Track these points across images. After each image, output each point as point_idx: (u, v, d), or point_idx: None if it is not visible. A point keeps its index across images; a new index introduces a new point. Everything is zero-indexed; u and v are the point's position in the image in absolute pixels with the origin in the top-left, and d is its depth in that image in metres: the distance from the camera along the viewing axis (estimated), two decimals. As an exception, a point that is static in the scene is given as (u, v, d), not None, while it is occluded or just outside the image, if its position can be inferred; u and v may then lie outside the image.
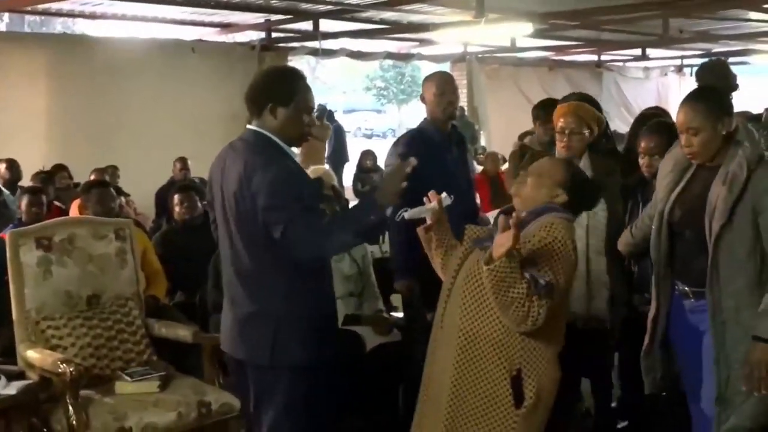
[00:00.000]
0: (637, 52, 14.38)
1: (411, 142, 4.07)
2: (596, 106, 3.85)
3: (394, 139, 4.49)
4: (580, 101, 3.79)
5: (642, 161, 3.53)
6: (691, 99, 2.84)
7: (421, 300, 3.96)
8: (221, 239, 2.95)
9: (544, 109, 4.65)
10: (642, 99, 15.12)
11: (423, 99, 4.15)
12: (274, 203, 2.67)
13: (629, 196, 3.68)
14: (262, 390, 2.87)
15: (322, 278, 2.90)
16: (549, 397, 2.63)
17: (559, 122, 3.66)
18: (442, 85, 4.10)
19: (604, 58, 15.16)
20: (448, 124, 4.18)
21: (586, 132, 3.61)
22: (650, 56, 14.91)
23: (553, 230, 2.51)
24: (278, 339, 2.79)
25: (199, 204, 5.18)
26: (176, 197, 5.18)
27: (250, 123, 2.89)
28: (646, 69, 16.44)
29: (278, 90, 2.84)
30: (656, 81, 16.68)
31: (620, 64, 15.81)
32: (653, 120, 3.84)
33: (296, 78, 2.90)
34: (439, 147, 4.06)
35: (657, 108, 5.27)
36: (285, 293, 2.79)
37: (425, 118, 4.17)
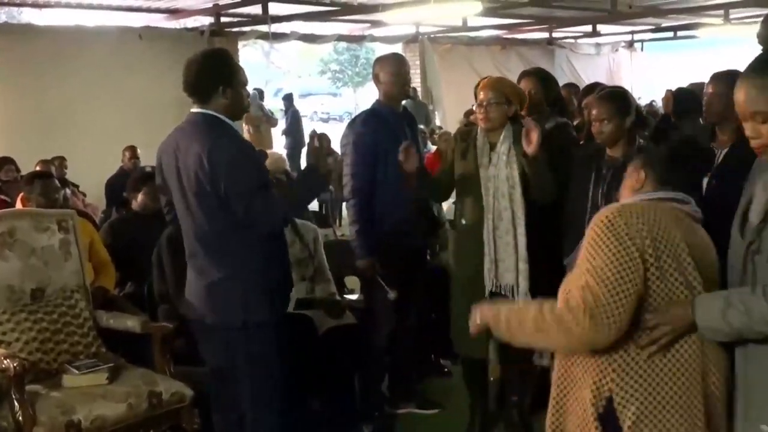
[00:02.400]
0: (588, 28, 14.47)
1: (368, 121, 4.10)
2: (549, 80, 4.22)
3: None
4: (526, 75, 4.22)
5: (593, 127, 3.52)
6: (756, 72, 2.01)
7: (383, 279, 3.97)
8: (182, 217, 3.17)
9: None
10: (594, 75, 15.23)
11: (377, 79, 4.16)
12: (235, 181, 2.94)
13: (589, 165, 3.64)
14: (237, 348, 3.16)
15: (279, 242, 3.22)
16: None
17: (479, 95, 3.79)
18: (397, 65, 4.14)
19: (555, 35, 15.23)
20: (401, 105, 4.19)
21: (505, 105, 3.72)
22: (601, 32, 15.01)
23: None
24: (248, 300, 3.09)
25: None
26: (144, 188, 5.00)
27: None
28: (598, 45, 16.56)
29: (222, 72, 3.07)
30: (607, 57, 16.82)
31: (572, 41, 15.90)
32: (603, 87, 3.94)
33: (229, 58, 3.17)
34: (394, 126, 4.07)
35: (595, 84, 5.37)
36: (248, 259, 3.08)
37: (378, 99, 4.19)
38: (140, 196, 5.02)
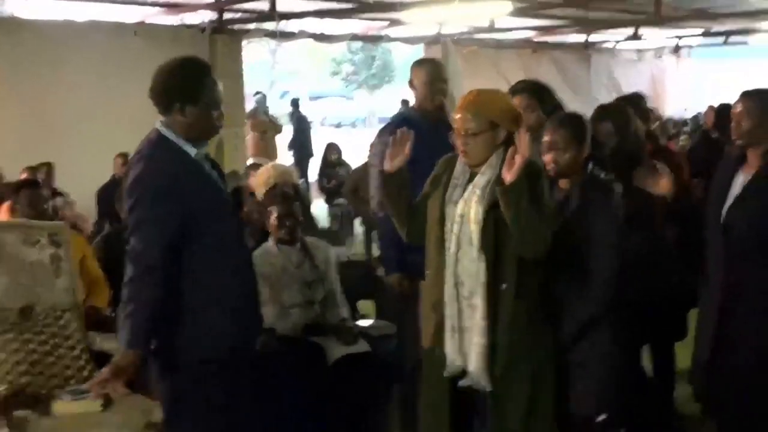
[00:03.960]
0: (629, 31, 14.58)
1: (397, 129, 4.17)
2: (542, 91, 4.14)
3: (365, 129, 4.63)
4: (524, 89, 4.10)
5: (546, 157, 3.42)
6: None
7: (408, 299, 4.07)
8: None
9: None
10: (635, 83, 15.33)
11: (411, 85, 4.35)
12: (129, 200, 2.96)
13: None
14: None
15: (229, 273, 3.05)
16: None
17: (455, 120, 3.26)
18: (432, 73, 4.30)
19: (593, 39, 15.36)
20: (436, 114, 4.32)
21: (489, 132, 3.15)
22: (643, 36, 15.11)
23: None
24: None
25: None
26: None
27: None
28: (639, 50, 16.67)
29: (185, 87, 3.01)
30: (650, 63, 16.93)
31: (611, 45, 16.02)
32: (561, 112, 3.93)
33: (202, 72, 3.05)
34: (427, 136, 4.16)
35: (634, 95, 5.35)
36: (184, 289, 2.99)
37: (410, 106, 4.36)
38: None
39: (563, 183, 3.44)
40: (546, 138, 3.43)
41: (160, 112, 3.05)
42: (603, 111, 4.27)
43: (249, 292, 3.19)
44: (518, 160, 2.94)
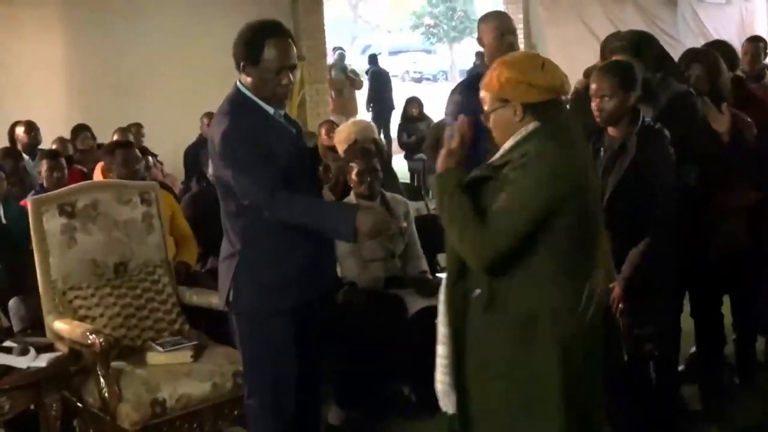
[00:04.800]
0: (717, -26, 14.14)
1: (468, 88, 4.12)
2: (642, 48, 3.95)
3: (446, 83, 4.64)
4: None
5: (593, 104, 3.49)
6: None
7: None
8: None
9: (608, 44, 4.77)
10: (723, 28, 14.85)
11: (480, 41, 4.25)
12: (222, 156, 3.08)
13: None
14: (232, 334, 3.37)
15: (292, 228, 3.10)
16: None
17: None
18: (502, 26, 4.21)
19: (679, -18, 14.93)
20: None
21: (501, 109, 2.72)
22: (733, -22, 14.63)
23: None
24: (238, 287, 3.19)
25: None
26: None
27: None
28: (728, -7, 16.13)
29: (246, 49, 3.13)
30: (739, 6, 16.33)
31: (698, -12, 15.54)
32: (609, 60, 3.89)
33: (267, 35, 3.11)
34: None
35: (716, 42, 5.24)
36: (245, 241, 3.17)
37: (478, 63, 4.32)
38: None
39: (612, 131, 3.47)
40: (592, 86, 3.47)
41: (240, 72, 3.19)
42: (692, 54, 4.33)
43: (322, 245, 3.26)
44: (444, 151, 2.64)
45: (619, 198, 3.36)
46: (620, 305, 3.42)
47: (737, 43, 15.98)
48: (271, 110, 3.17)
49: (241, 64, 3.14)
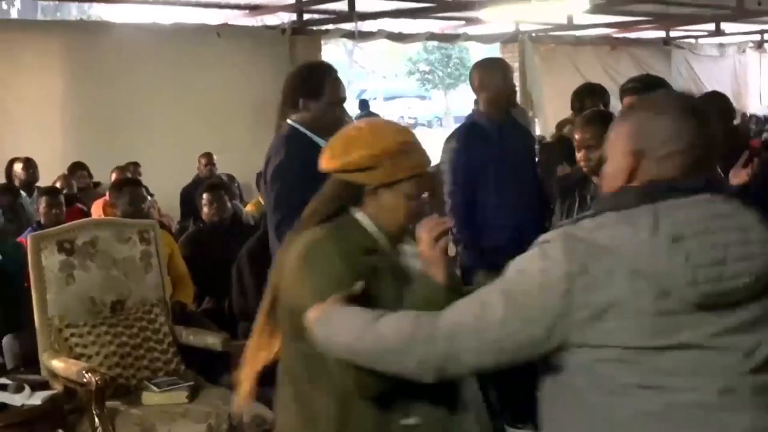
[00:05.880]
0: (711, 27, 14.29)
1: (464, 136, 4.19)
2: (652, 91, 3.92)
3: (441, 129, 4.64)
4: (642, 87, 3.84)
5: (578, 155, 3.47)
6: None
7: None
8: None
9: (579, 97, 4.83)
10: (717, 80, 15.07)
11: (482, 86, 4.21)
12: (272, 189, 3.30)
13: (566, 194, 3.65)
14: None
15: None
16: None
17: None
18: (507, 70, 4.27)
19: (673, 34, 15.10)
20: (505, 115, 4.31)
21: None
22: (725, 31, 14.80)
23: None
24: None
25: (229, 204, 5.38)
26: (204, 197, 5.38)
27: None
28: (721, 46, 16.33)
29: (308, 84, 3.42)
30: (733, 59, 16.56)
31: (691, 41, 15.73)
32: (590, 109, 3.89)
33: (326, 73, 3.48)
34: (497, 141, 4.17)
35: (712, 93, 5.25)
36: None
37: (475, 110, 4.33)
38: (205, 207, 5.32)
39: (599, 180, 3.41)
40: (576, 136, 3.46)
41: (288, 109, 3.43)
42: None
43: None
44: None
45: None
46: None
47: (730, 94, 16.14)
48: (322, 143, 3.26)
49: (300, 99, 3.37)
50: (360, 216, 2.13)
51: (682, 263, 1.55)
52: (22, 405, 3.36)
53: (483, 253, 4.09)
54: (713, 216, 1.60)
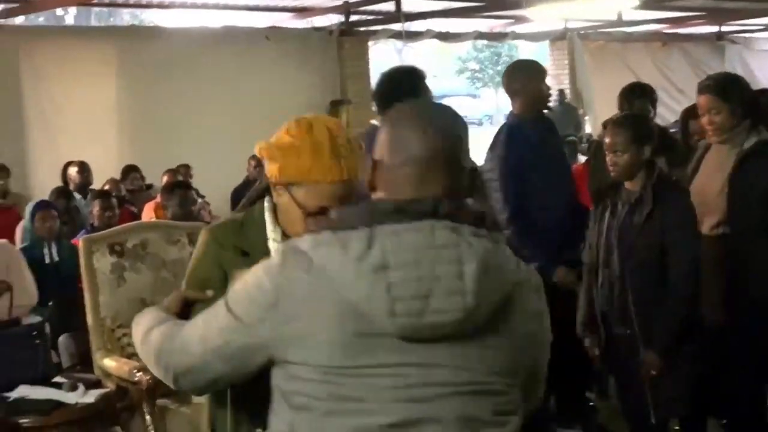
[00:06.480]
0: (765, 20, 14.08)
1: (508, 142, 4.12)
2: (729, 90, 3.66)
3: (492, 127, 4.60)
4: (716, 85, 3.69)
5: (607, 159, 3.44)
6: None
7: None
8: None
9: (627, 97, 4.79)
10: (773, 75, 14.81)
11: (522, 89, 4.16)
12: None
13: (599, 199, 3.63)
14: None
15: None
16: None
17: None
18: (543, 73, 4.27)
19: (725, 29, 14.89)
20: (541, 116, 4.30)
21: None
22: (781, 25, 14.59)
23: None
24: None
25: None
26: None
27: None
28: (777, 40, 16.07)
29: (404, 86, 3.54)
30: (788, 53, 16.28)
31: (745, 35, 15.49)
32: (622, 113, 3.84)
33: (417, 77, 3.67)
34: (538, 140, 4.15)
35: (763, 90, 5.11)
36: None
37: (512, 112, 4.25)
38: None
39: (630, 185, 3.39)
40: (606, 139, 3.43)
41: (383, 111, 3.51)
42: (692, 108, 4.27)
43: None
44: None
45: (637, 252, 3.32)
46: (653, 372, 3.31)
47: (786, 89, 15.67)
48: None
49: (395, 103, 3.46)
50: (266, 208, 2.08)
51: (382, 294, 1.48)
52: (77, 403, 3.45)
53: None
54: (427, 246, 1.50)
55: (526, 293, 1.60)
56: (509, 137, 4.15)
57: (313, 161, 1.93)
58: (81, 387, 3.51)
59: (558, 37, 13.29)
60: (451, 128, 1.64)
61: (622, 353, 3.44)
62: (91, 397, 3.50)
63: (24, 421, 3.42)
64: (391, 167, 1.61)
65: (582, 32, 13.29)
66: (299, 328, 1.52)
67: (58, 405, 3.43)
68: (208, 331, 1.64)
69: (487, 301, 1.51)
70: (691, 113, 4.48)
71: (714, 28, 14.73)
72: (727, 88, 3.64)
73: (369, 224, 1.52)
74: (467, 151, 1.67)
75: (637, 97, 4.90)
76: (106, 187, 7.06)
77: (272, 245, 2.05)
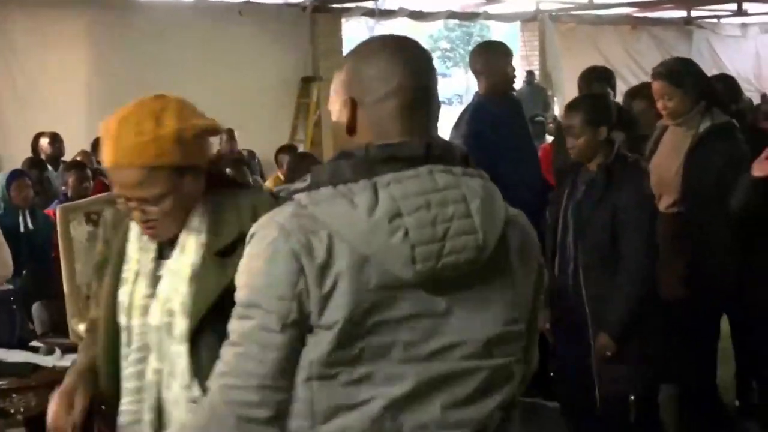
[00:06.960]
0: (733, 6, 14.25)
1: (473, 119, 4.21)
2: (683, 76, 3.77)
3: (461, 106, 4.65)
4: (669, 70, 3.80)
5: (567, 142, 3.48)
6: None
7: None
8: None
9: (586, 81, 4.91)
10: (739, 60, 15.06)
11: (487, 69, 4.25)
12: None
13: (561, 180, 3.69)
14: None
15: None
16: None
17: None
18: (509, 54, 4.35)
19: (694, 14, 15.07)
20: (507, 96, 4.41)
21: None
22: (748, 11, 14.75)
23: None
24: None
25: (250, 179, 5.52)
26: (227, 172, 5.51)
27: None
28: (744, 26, 16.27)
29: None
30: (755, 40, 16.49)
31: (713, 20, 15.69)
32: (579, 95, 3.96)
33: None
34: (504, 120, 4.25)
35: (720, 75, 5.30)
36: None
37: (477, 92, 4.33)
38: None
39: (591, 166, 3.41)
40: (564, 122, 3.49)
41: None
42: (635, 90, 4.52)
43: None
44: None
45: (590, 233, 3.35)
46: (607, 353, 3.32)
47: (752, 75, 16.08)
48: None
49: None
50: None
51: (400, 242, 1.44)
52: (54, 366, 3.53)
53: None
54: (432, 190, 1.47)
55: (519, 229, 1.60)
56: (473, 116, 4.21)
57: (106, 145, 2.00)
58: (58, 351, 3.59)
59: (529, 19, 13.40)
60: (429, 59, 1.61)
61: (572, 333, 3.45)
62: (67, 360, 3.56)
63: (2, 383, 3.49)
64: (372, 103, 1.55)
65: (553, 14, 13.41)
66: (320, 292, 1.44)
67: (35, 368, 3.51)
68: (250, 363, 1.46)
69: (492, 238, 1.51)
70: (635, 95, 4.62)
71: (683, 13, 14.91)
72: (680, 74, 3.75)
73: (367, 175, 1.47)
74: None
75: (596, 80, 5.03)
76: (78, 158, 7.09)
77: (170, 264, 2.04)
